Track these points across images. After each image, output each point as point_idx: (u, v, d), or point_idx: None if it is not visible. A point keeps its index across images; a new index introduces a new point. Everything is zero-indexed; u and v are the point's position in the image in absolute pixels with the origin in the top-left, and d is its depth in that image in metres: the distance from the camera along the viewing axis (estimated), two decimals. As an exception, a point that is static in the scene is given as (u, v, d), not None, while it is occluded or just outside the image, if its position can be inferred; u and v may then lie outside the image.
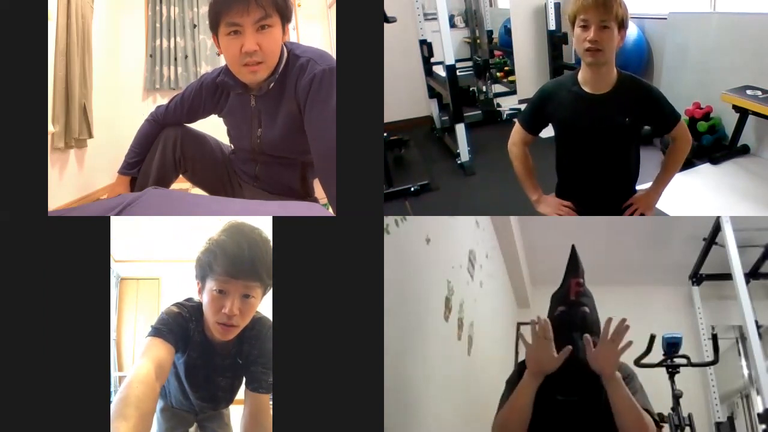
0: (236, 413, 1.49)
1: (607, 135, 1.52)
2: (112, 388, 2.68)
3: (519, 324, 3.13)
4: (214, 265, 1.04)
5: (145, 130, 1.97)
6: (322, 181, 1.76)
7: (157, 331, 1.07)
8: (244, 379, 1.31)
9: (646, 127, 1.57)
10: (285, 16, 1.63)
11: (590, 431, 1.25)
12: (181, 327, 1.10)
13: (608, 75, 1.49)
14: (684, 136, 1.60)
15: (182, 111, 1.91)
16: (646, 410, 1.24)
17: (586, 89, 1.50)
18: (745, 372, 2.92)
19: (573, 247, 1.47)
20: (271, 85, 1.70)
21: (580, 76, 1.52)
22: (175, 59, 4.50)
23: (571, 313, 1.35)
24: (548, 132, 1.63)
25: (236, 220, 1.06)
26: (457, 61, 3.28)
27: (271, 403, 1.33)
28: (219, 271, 1.04)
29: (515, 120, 1.69)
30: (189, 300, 1.18)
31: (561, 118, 1.56)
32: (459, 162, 3.24)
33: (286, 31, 1.66)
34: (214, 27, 1.63)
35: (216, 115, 1.92)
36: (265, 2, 1.57)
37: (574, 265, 1.44)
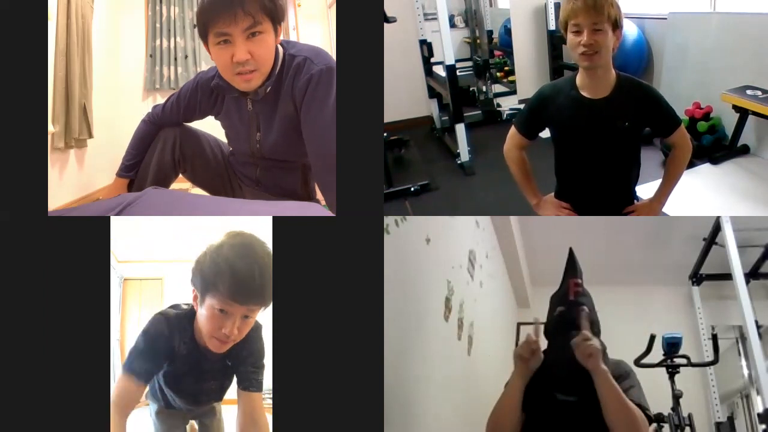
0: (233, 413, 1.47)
1: (606, 140, 1.50)
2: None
3: (519, 324, 3.12)
4: (220, 284, 0.96)
5: (141, 131, 1.95)
6: (320, 183, 1.74)
7: (128, 368, 1.06)
8: (234, 379, 1.29)
9: (647, 128, 1.56)
10: (276, 19, 1.58)
11: (589, 431, 1.25)
12: (161, 347, 1.06)
13: (606, 78, 1.47)
14: (684, 143, 1.56)
15: (178, 111, 1.89)
16: (640, 406, 1.24)
17: (585, 94, 1.48)
18: (745, 372, 2.92)
19: (570, 249, 1.47)
20: (268, 89, 1.68)
21: (578, 80, 1.50)
22: (175, 59, 4.50)
23: (571, 313, 1.35)
24: (547, 132, 1.63)
25: (244, 231, 1.02)
26: (457, 61, 3.29)
27: (267, 400, 1.34)
28: (225, 293, 0.96)
29: (515, 118, 1.68)
30: (175, 307, 1.14)
31: (560, 123, 1.54)
32: (459, 162, 3.24)
33: (280, 32, 1.62)
34: (203, 36, 1.59)
35: (213, 117, 1.92)
36: (253, 9, 1.51)
37: (572, 267, 1.44)
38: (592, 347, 1.23)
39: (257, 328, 1.20)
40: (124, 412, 1.04)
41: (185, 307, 1.13)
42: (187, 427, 1.46)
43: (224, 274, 0.96)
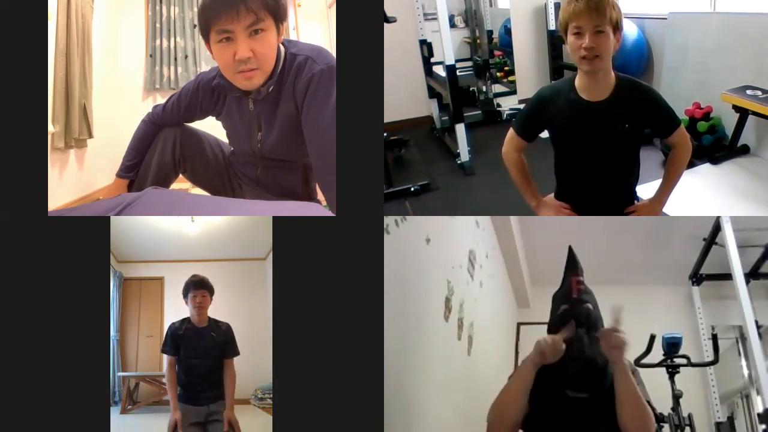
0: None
1: (606, 143, 1.50)
2: (113, 389, 2.70)
3: (519, 324, 3.13)
4: (189, 287, 1.73)
5: (141, 131, 1.95)
6: (320, 183, 1.74)
7: (167, 352, 1.76)
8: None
9: (647, 129, 1.55)
10: (278, 17, 1.58)
11: (600, 428, 1.25)
12: (174, 341, 1.74)
13: (606, 80, 1.46)
14: (683, 144, 1.56)
15: (179, 111, 1.89)
16: (647, 403, 1.25)
17: (584, 96, 1.47)
18: (745, 372, 2.92)
19: (570, 247, 1.47)
20: (270, 89, 1.67)
21: (577, 83, 1.49)
22: (175, 59, 4.50)
23: (575, 311, 1.35)
24: (546, 132, 1.62)
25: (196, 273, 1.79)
26: (457, 61, 3.29)
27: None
28: (192, 289, 1.73)
29: (513, 120, 1.68)
30: (178, 321, 1.77)
31: (559, 126, 1.53)
32: (459, 162, 3.25)
33: (282, 31, 1.62)
34: (205, 34, 1.59)
35: (213, 117, 1.91)
36: (255, 6, 1.51)
37: (573, 265, 1.44)
38: (619, 339, 1.24)
39: (227, 325, 1.78)
40: (172, 368, 1.74)
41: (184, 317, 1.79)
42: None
43: (189, 284, 1.74)
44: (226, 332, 1.76)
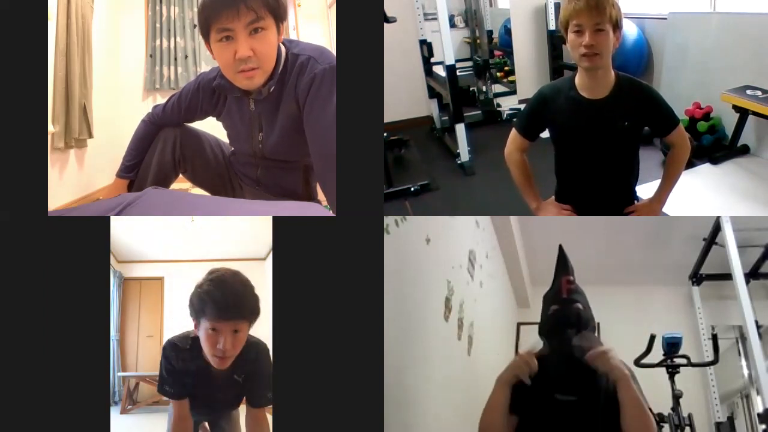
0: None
1: (607, 140, 1.50)
2: (113, 389, 2.71)
3: (519, 324, 3.13)
4: (207, 311, 1.23)
5: (141, 131, 1.95)
6: (321, 182, 1.74)
7: (162, 392, 1.33)
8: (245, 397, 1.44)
9: (646, 128, 1.56)
10: (278, 16, 1.58)
11: (589, 431, 1.25)
12: (180, 376, 1.32)
13: (606, 78, 1.47)
14: (682, 143, 1.57)
15: (179, 111, 1.89)
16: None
17: (584, 94, 1.48)
18: (745, 372, 2.92)
19: (560, 247, 1.48)
20: (271, 89, 1.67)
21: (577, 81, 1.50)
22: (175, 59, 4.50)
23: (564, 311, 1.35)
24: (547, 132, 1.62)
25: (219, 268, 1.27)
26: (457, 61, 3.28)
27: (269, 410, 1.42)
28: (211, 317, 1.23)
29: (515, 120, 1.68)
30: (183, 340, 1.33)
31: (560, 124, 1.54)
32: (459, 162, 3.25)
33: (282, 30, 1.62)
34: (205, 33, 1.58)
35: (214, 118, 1.91)
36: (256, 4, 1.51)
37: (563, 264, 1.45)
38: (611, 357, 1.24)
39: (263, 352, 1.37)
40: (183, 425, 1.32)
41: (191, 336, 1.34)
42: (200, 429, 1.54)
43: (207, 303, 1.22)
44: (257, 371, 1.34)
